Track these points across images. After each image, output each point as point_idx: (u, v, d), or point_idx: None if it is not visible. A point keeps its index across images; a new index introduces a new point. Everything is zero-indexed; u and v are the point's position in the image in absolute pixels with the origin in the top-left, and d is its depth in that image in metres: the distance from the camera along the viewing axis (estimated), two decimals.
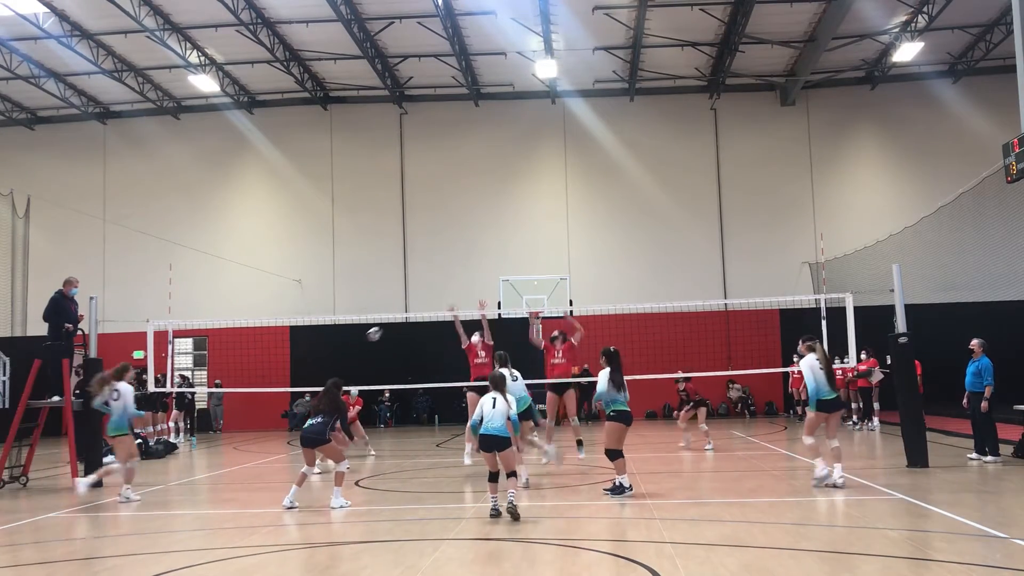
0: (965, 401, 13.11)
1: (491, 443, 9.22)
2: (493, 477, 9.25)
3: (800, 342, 11.73)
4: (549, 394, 13.80)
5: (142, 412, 12.44)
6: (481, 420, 9.36)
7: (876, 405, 19.89)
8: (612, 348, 10.77)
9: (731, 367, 23.85)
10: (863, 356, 18.87)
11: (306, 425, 10.50)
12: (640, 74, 27.06)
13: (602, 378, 10.56)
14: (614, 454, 10.35)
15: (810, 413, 11.09)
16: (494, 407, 9.30)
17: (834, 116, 28.62)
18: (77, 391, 13.90)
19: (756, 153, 28.62)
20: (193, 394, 23.49)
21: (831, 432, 10.84)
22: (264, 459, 17.68)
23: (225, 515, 10.04)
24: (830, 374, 10.80)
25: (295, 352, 27.47)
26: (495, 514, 8.98)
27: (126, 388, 11.64)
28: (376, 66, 25.96)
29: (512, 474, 9.24)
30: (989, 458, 12.73)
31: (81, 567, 7.66)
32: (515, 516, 8.85)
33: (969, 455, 13.15)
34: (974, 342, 13.05)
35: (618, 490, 10.28)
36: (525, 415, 12.25)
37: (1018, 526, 7.95)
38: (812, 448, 10.99)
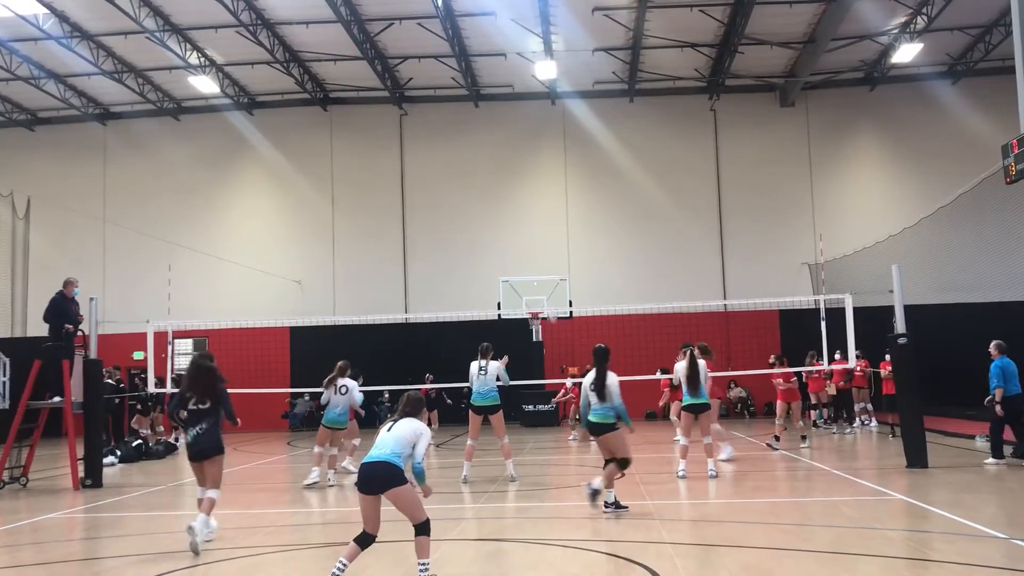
0: (987, 401, 12.77)
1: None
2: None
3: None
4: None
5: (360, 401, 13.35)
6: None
7: (869, 406, 19.88)
8: (600, 346, 9.74)
9: (731, 367, 23.84)
10: (837, 356, 18.76)
11: (191, 436, 8.45)
12: (640, 75, 27.07)
13: (616, 382, 9.45)
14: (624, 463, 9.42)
15: (684, 415, 12.47)
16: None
17: (834, 117, 28.64)
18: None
19: (756, 154, 28.64)
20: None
21: (704, 430, 12.19)
22: (264, 459, 17.69)
23: (225, 515, 10.02)
24: (693, 380, 12.20)
25: (295, 353, 27.47)
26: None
27: (352, 383, 12.84)
28: (376, 67, 25.96)
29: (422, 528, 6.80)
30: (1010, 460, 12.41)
31: (81, 568, 7.67)
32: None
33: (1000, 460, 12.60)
34: (992, 345, 12.71)
35: (591, 493, 9.38)
36: (493, 409, 12.30)
37: (1018, 526, 7.96)
38: (683, 449, 12.28)
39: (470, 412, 12.49)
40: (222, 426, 8.52)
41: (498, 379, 12.34)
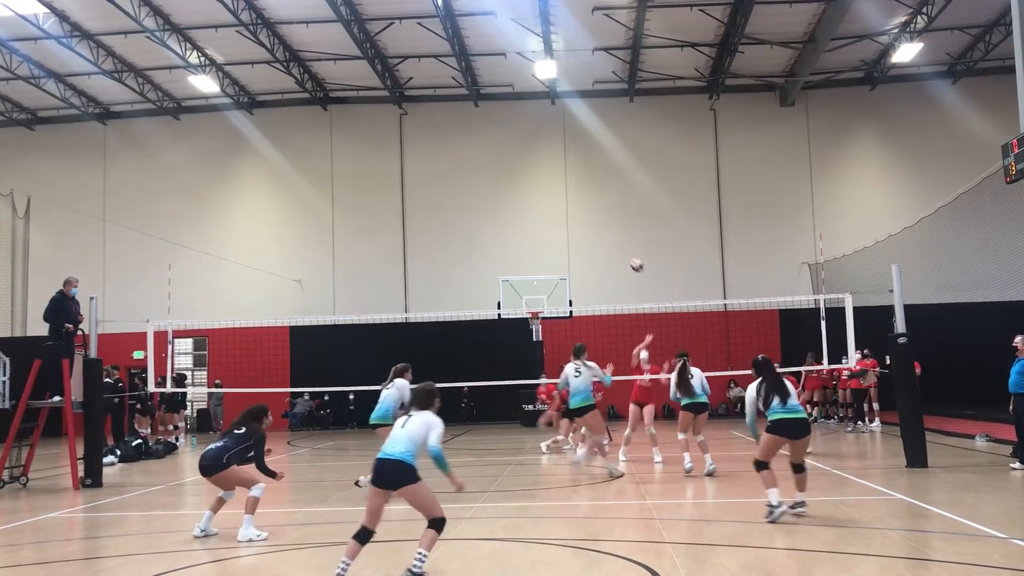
0: (1011, 406, 11.78)
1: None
2: None
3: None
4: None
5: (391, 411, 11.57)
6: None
7: (876, 406, 19.85)
8: (761, 357, 9.16)
9: (731, 367, 23.84)
10: (859, 356, 18.79)
11: (206, 449, 8.95)
12: (640, 75, 27.07)
13: (748, 394, 9.01)
14: (758, 465, 8.81)
15: (683, 414, 12.73)
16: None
17: (833, 117, 28.64)
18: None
19: (756, 153, 28.64)
20: (184, 394, 23.43)
21: (697, 430, 12.58)
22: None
23: (225, 515, 10.01)
24: (684, 384, 12.53)
25: (295, 352, 27.48)
26: None
27: (402, 383, 11.53)
28: (376, 67, 25.97)
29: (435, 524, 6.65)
30: None
31: (81, 567, 7.67)
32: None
33: (1012, 464, 11.94)
34: (1017, 339, 11.73)
35: (768, 512, 8.56)
36: (579, 412, 12.58)
37: (1018, 526, 7.96)
38: (683, 444, 12.47)
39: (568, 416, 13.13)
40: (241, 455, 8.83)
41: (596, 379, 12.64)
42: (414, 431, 6.55)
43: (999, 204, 17.88)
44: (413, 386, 6.88)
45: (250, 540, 8.40)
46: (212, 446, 8.84)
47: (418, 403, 6.79)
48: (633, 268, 14.97)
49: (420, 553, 6.34)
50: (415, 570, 6.29)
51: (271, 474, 8.86)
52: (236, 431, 8.90)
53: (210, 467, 8.69)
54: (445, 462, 6.57)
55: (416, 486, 6.39)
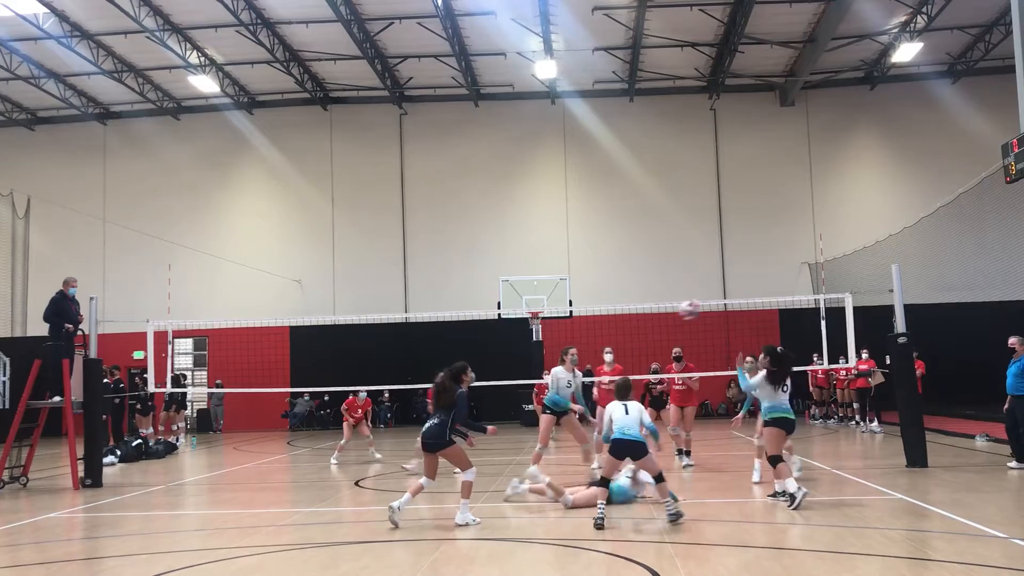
0: (1006, 405, 11.80)
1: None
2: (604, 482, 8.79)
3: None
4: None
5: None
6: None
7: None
8: (778, 348, 9.91)
9: (731, 367, 23.82)
10: (863, 355, 18.82)
11: (425, 427, 9.05)
12: (640, 74, 27.08)
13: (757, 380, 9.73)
14: (773, 460, 9.43)
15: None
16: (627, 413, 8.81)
17: (833, 116, 28.66)
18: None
19: (756, 153, 28.66)
20: (185, 394, 23.45)
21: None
22: (264, 459, 17.70)
23: (225, 515, 10.03)
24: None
25: (295, 352, 27.48)
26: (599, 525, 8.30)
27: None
28: (376, 66, 25.97)
29: (660, 478, 8.64)
30: None
31: (81, 567, 7.66)
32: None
33: (1009, 464, 11.96)
34: (1013, 339, 11.68)
35: (782, 495, 9.29)
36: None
37: (1018, 526, 7.96)
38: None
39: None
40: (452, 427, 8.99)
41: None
42: (636, 418, 8.70)
43: (999, 204, 17.88)
44: (616, 379, 9.61)
45: (467, 524, 8.62)
46: (431, 423, 8.92)
47: (624, 395, 8.91)
48: (683, 314, 13.62)
49: (665, 501, 8.43)
50: (670, 510, 8.31)
51: (480, 429, 9.42)
52: (445, 405, 8.92)
53: (434, 445, 8.86)
54: (657, 432, 9.33)
55: (648, 456, 8.66)
